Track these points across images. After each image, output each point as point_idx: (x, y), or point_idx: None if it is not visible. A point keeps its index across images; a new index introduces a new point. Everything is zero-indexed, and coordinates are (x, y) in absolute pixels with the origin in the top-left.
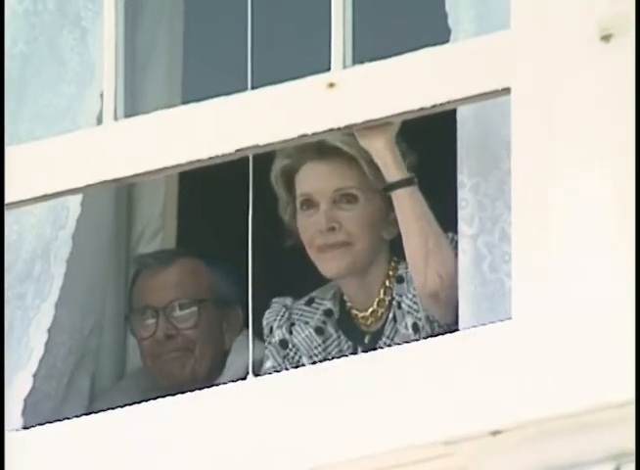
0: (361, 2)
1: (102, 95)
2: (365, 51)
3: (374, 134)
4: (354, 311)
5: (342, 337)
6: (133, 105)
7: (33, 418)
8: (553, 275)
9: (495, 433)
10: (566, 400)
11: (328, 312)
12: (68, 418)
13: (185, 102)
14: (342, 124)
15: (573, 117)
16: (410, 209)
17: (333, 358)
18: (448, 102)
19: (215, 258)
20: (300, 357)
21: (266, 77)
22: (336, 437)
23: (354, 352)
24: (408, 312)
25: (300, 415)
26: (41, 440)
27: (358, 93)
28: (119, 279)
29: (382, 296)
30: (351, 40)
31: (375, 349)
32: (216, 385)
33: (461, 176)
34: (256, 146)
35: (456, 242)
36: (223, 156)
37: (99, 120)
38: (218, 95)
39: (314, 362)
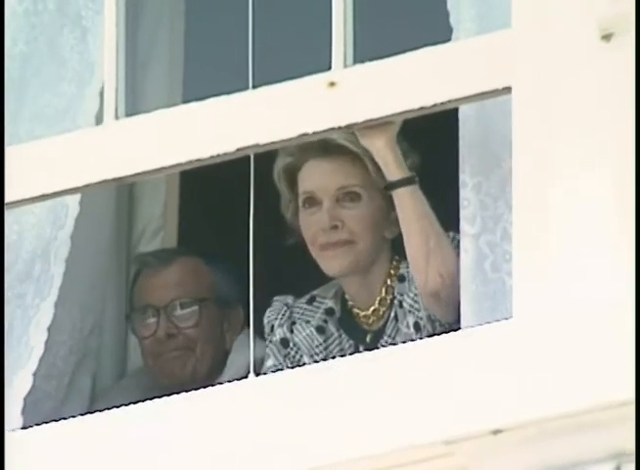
0: (362, 1)
1: (102, 94)
2: (366, 50)
3: (375, 133)
4: (356, 310)
5: (344, 336)
6: (134, 104)
7: (33, 417)
8: (553, 275)
9: (495, 432)
10: (566, 400)
11: (329, 311)
12: (68, 418)
13: (186, 101)
14: (342, 124)
15: (574, 116)
16: (411, 208)
17: (334, 357)
18: (449, 101)
19: (216, 256)
20: (301, 356)
21: (267, 77)
22: (336, 437)
23: (356, 351)
24: (409, 311)
25: (301, 415)
26: (41, 439)
27: (359, 92)
28: (120, 278)
29: (383, 295)
30: (352, 39)
31: (376, 348)
32: (217, 384)
33: (463, 176)
34: (257, 145)
35: (457, 241)
36: (224, 155)
37: (98, 120)
38: (219, 94)
39: (315, 361)
